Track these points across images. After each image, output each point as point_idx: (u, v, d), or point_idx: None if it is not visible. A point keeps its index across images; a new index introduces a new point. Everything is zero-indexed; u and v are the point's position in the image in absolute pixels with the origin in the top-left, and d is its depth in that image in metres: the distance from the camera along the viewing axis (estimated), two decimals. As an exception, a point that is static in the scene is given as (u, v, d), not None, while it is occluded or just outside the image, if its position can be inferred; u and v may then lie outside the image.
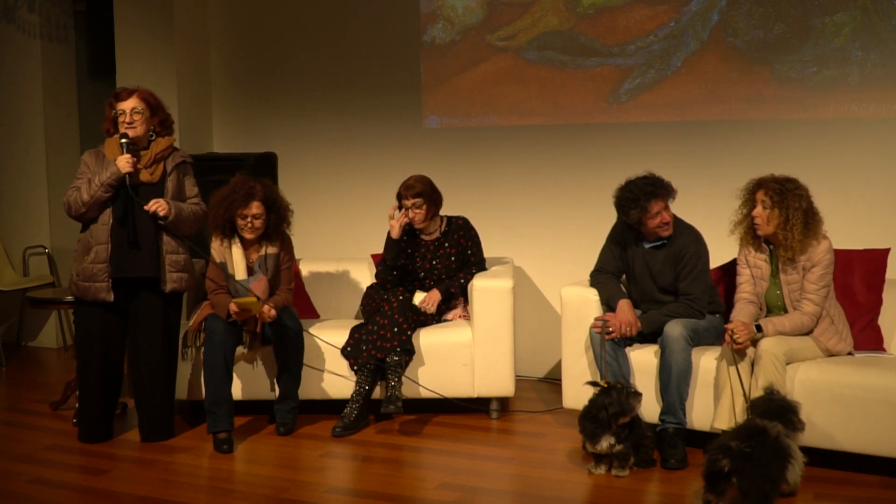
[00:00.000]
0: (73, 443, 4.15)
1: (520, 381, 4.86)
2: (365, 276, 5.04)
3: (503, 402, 4.58)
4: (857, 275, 4.10)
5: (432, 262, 4.60)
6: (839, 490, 3.43)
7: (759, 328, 3.68)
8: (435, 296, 4.49)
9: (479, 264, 4.64)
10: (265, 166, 5.68)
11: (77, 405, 4.25)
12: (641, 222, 3.98)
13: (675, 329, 3.82)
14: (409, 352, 4.33)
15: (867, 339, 3.99)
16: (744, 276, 3.91)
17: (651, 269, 4.08)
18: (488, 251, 4.78)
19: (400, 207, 4.51)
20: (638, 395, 3.64)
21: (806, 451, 3.52)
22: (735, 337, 3.61)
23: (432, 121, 5.52)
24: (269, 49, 5.90)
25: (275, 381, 4.35)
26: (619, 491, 3.50)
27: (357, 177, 5.72)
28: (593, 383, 3.71)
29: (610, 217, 4.17)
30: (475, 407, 4.51)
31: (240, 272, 4.24)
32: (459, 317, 4.60)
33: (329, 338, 4.42)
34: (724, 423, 3.62)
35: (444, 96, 5.46)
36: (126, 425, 4.40)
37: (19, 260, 6.33)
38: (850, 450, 3.54)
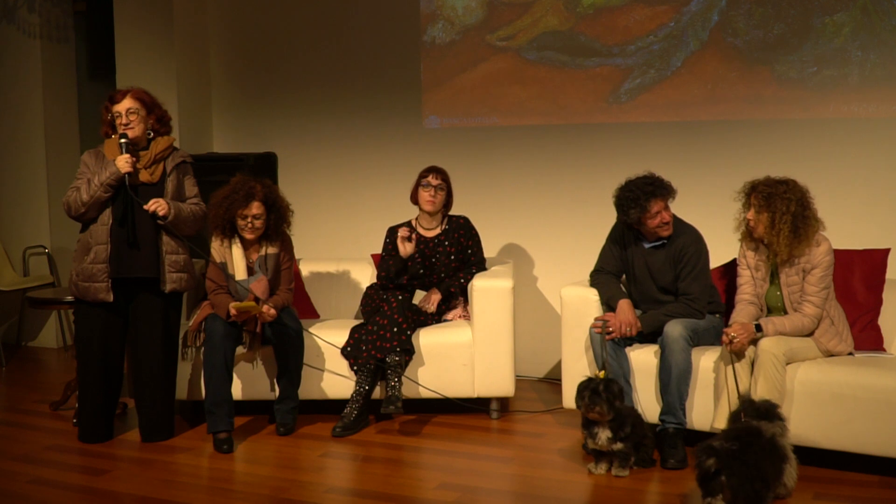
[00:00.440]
0: (73, 443, 4.15)
1: (520, 381, 4.86)
2: (365, 276, 5.04)
3: (503, 402, 4.58)
4: (857, 275, 4.10)
5: (431, 260, 4.60)
6: (839, 490, 3.43)
7: (758, 328, 3.68)
8: (435, 295, 4.50)
9: (480, 264, 4.64)
10: (265, 166, 5.68)
11: (77, 405, 4.25)
12: (641, 222, 3.98)
13: (675, 329, 3.82)
14: (409, 352, 4.33)
15: (867, 339, 3.99)
16: (744, 276, 3.91)
17: (651, 269, 4.08)
18: (488, 251, 4.78)
19: (416, 189, 4.56)
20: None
21: (806, 451, 3.53)
22: (734, 339, 3.61)
23: (432, 121, 5.52)
24: (269, 49, 5.90)
25: (275, 381, 4.35)
26: (619, 491, 3.50)
27: (357, 177, 5.72)
28: (590, 379, 3.70)
29: (610, 217, 4.17)
30: (475, 407, 4.51)
31: (240, 272, 4.24)
32: (459, 317, 4.60)
33: (329, 338, 4.42)
34: (724, 423, 3.61)
35: (444, 96, 5.46)
36: (126, 425, 4.40)
37: (19, 260, 6.34)
38: (850, 450, 3.54)
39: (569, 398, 4.21)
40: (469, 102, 5.40)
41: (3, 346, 5.98)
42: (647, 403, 3.96)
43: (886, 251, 4.17)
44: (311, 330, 4.44)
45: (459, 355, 4.41)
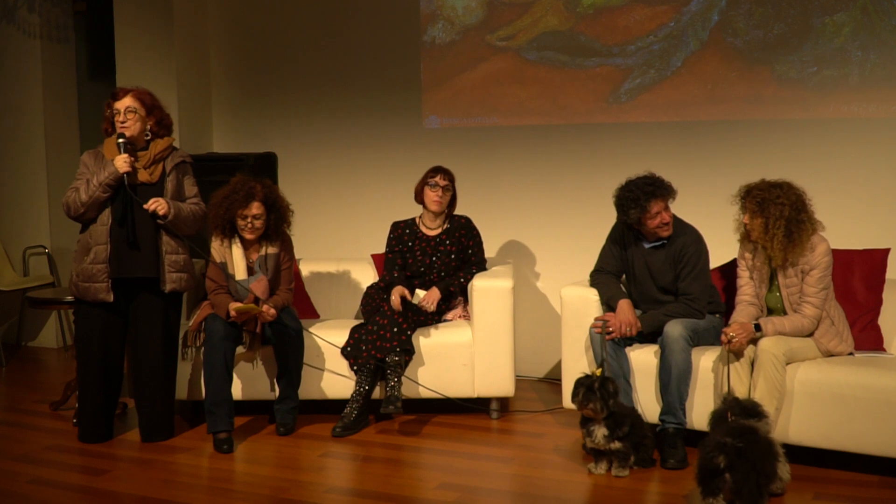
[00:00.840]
0: (73, 443, 4.15)
1: (520, 381, 4.86)
2: (365, 276, 5.04)
3: (503, 402, 4.58)
4: (857, 275, 4.10)
5: (432, 259, 4.60)
6: (839, 490, 3.43)
7: (758, 327, 3.68)
8: (435, 294, 4.49)
9: (480, 264, 4.64)
10: (265, 166, 5.68)
11: (77, 405, 4.25)
12: (641, 222, 3.98)
13: (675, 329, 3.82)
14: (408, 352, 4.33)
15: (867, 339, 3.99)
16: (744, 278, 3.91)
17: (651, 269, 4.08)
18: (488, 251, 4.79)
19: (422, 188, 4.57)
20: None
21: (806, 451, 3.53)
22: (733, 338, 3.61)
23: (432, 121, 5.52)
24: (269, 49, 5.90)
25: (275, 381, 4.35)
26: (619, 491, 3.50)
27: (357, 177, 5.72)
28: (587, 376, 3.70)
29: (610, 217, 4.17)
30: (475, 407, 4.51)
31: (240, 272, 4.24)
32: (459, 317, 4.60)
33: (329, 338, 4.42)
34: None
35: (444, 96, 5.46)
36: (126, 425, 4.40)
37: (19, 260, 6.34)
38: (850, 450, 3.54)
39: (569, 398, 4.20)
40: (469, 102, 5.40)
41: (3, 346, 5.98)
42: (647, 403, 3.96)
43: (886, 251, 4.17)
44: (311, 330, 4.44)
45: (459, 355, 4.41)
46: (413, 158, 5.41)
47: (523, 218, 5.33)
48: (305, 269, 5.08)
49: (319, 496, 3.50)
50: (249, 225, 4.20)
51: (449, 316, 4.61)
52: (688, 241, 4.02)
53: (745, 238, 3.86)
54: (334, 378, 4.43)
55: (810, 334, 3.76)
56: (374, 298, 4.57)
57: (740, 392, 3.62)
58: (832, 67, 4.62)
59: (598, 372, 3.70)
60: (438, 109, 5.49)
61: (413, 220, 4.70)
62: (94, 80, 6.53)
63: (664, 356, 3.83)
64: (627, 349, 4.02)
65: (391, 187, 5.54)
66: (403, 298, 4.37)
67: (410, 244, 4.63)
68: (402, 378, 4.27)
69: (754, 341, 3.67)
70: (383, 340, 4.26)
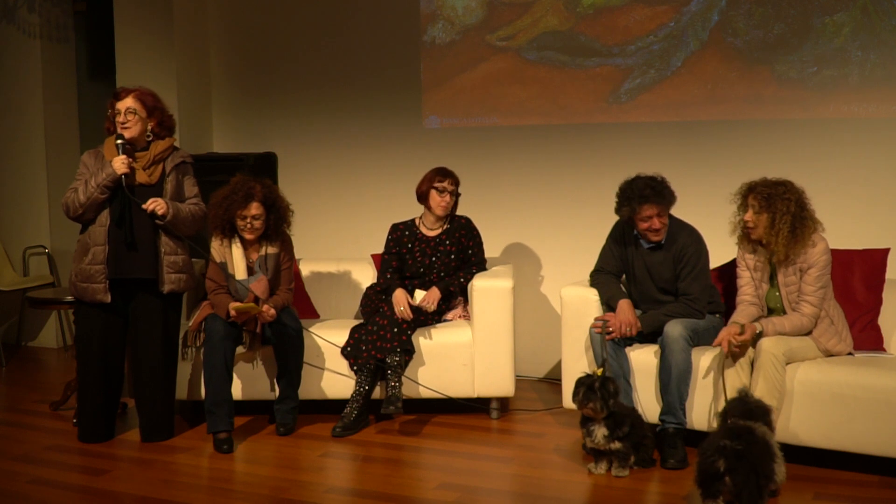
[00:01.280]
0: (73, 443, 4.15)
1: (520, 381, 4.86)
2: (365, 276, 5.04)
3: (503, 402, 4.58)
4: (857, 275, 4.10)
5: (431, 259, 4.60)
6: (839, 490, 3.43)
7: (759, 334, 3.67)
8: (434, 294, 4.49)
9: (480, 264, 4.64)
10: (265, 166, 5.68)
11: (77, 405, 4.25)
12: (632, 221, 3.99)
13: (675, 329, 3.82)
14: (409, 352, 4.33)
15: (867, 339, 3.99)
16: (744, 278, 3.91)
17: (650, 270, 4.08)
18: (488, 251, 4.78)
19: (428, 190, 4.55)
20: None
21: (806, 451, 3.53)
22: (732, 342, 3.61)
23: (432, 121, 5.52)
24: (269, 49, 5.90)
25: (275, 381, 4.35)
26: (619, 491, 3.50)
27: (357, 177, 5.72)
28: (588, 375, 3.70)
29: (610, 217, 4.17)
30: (475, 406, 4.51)
31: (240, 272, 4.24)
32: (459, 317, 4.60)
33: (329, 338, 4.42)
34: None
35: (444, 96, 5.46)
36: (126, 425, 4.40)
37: (19, 260, 6.34)
38: (850, 450, 3.54)
39: (569, 398, 4.20)
40: (469, 102, 5.40)
41: (3, 346, 5.98)
42: (647, 403, 3.96)
43: (886, 251, 4.17)
44: (311, 330, 4.44)
45: (459, 355, 4.41)
46: (413, 158, 5.41)
47: (523, 218, 5.33)
48: (305, 269, 5.08)
49: (319, 496, 3.50)
50: (249, 225, 4.20)
51: (449, 316, 4.61)
52: (687, 241, 4.02)
53: (744, 238, 3.86)
54: (334, 378, 4.43)
55: (809, 333, 3.75)
56: (373, 299, 4.57)
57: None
58: (832, 67, 4.62)
59: (599, 372, 3.70)
60: (438, 109, 5.49)
61: (413, 221, 4.70)
62: (94, 80, 6.53)
63: (664, 356, 3.83)
64: (627, 349, 4.02)
65: (391, 187, 5.54)
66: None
67: (410, 245, 4.63)
68: (403, 378, 4.27)
69: (754, 342, 3.67)
70: (383, 341, 4.26)
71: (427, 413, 4.53)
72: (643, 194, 3.91)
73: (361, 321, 4.52)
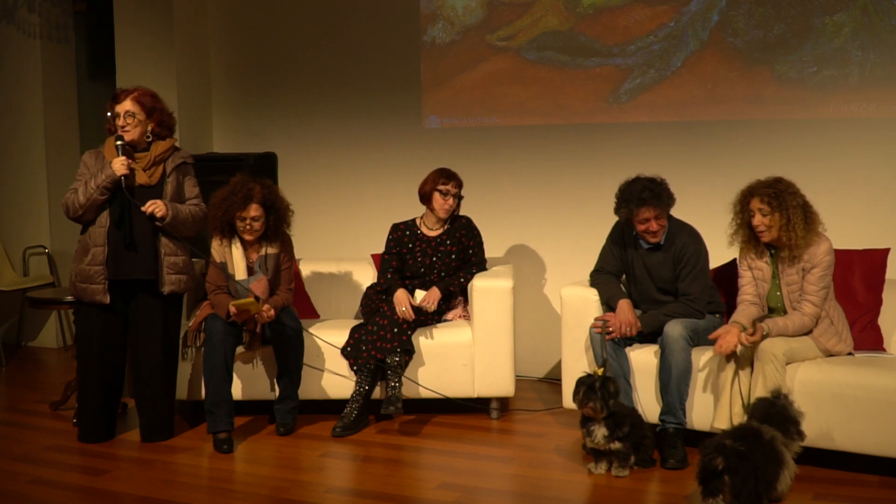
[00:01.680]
0: (73, 443, 4.15)
1: (520, 381, 4.86)
2: (365, 276, 5.04)
3: (503, 402, 4.58)
4: (857, 275, 4.10)
5: (432, 259, 4.60)
6: (839, 490, 3.43)
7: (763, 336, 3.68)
8: (435, 294, 4.49)
9: (480, 264, 4.64)
10: (265, 166, 5.68)
11: (77, 405, 4.25)
12: (629, 222, 4.00)
13: (674, 329, 3.82)
14: (409, 352, 4.33)
15: (867, 339, 3.99)
16: (745, 278, 3.90)
17: (650, 270, 4.08)
18: (488, 251, 4.78)
19: (431, 191, 4.53)
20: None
21: (806, 450, 3.52)
22: (744, 344, 3.62)
23: (432, 121, 5.52)
24: (269, 49, 5.90)
25: (275, 381, 4.35)
26: (619, 491, 3.50)
27: (357, 177, 5.72)
28: (589, 375, 3.70)
29: (610, 217, 4.17)
30: (475, 406, 4.51)
31: (240, 272, 4.24)
32: (459, 317, 4.60)
33: (329, 338, 4.42)
34: (723, 423, 3.62)
35: (444, 96, 5.46)
36: (126, 425, 4.40)
37: (19, 260, 6.34)
38: (850, 450, 3.54)
39: (569, 398, 4.20)
40: (469, 102, 5.40)
41: (3, 346, 5.98)
42: (647, 403, 3.96)
43: (886, 251, 4.17)
44: (311, 330, 4.44)
45: (459, 355, 4.41)
46: (413, 158, 5.41)
47: (523, 218, 5.33)
48: (305, 269, 5.08)
49: (319, 496, 3.50)
50: (248, 227, 4.20)
51: (449, 316, 4.61)
52: (687, 241, 4.02)
53: (749, 244, 3.84)
54: (334, 378, 4.43)
55: (809, 332, 3.75)
56: (373, 299, 4.57)
57: (742, 393, 3.62)
58: (832, 67, 4.62)
59: (600, 372, 3.70)
60: (438, 109, 5.49)
61: (413, 220, 4.70)
62: (94, 80, 6.53)
63: (664, 356, 3.84)
64: (627, 349, 4.02)
65: (391, 187, 5.54)
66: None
67: (410, 245, 4.63)
68: (403, 378, 4.27)
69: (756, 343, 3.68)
70: (383, 341, 4.26)
71: (427, 413, 4.53)
72: (641, 197, 3.90)
73: (361, 321, 4.52)
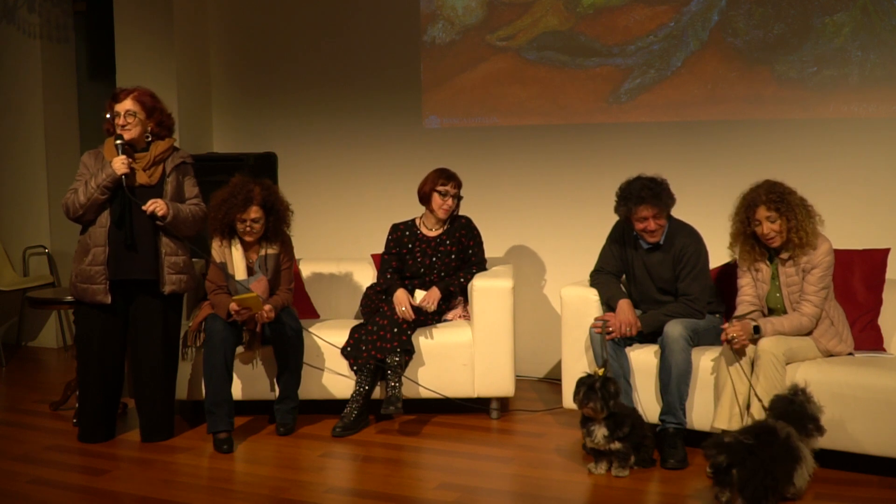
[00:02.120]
0: (73, 443, 4.15)
1: (520, 381, 4.86)
2: (365, 276, 5.04)
3: (503, 402, 4.58)
4: (857, 275, 4.10)
5: (432, 259, 4.60)
6: (839, 490, 3.43)
7: (756, 329, 3.68)
8: (435, 294, 4.49)
9: (480, 264, 4.64)
10: (265, 166, 5.68)
11: (77, 405, 4.25)
12: (628, 220, 4.00)
13: (674, 329, 3.82)
14: (409, 352, 4.33)
15: (867, 339, 3.99)
16: (745, 279, 3.90)
17: (650, 270, 4.08)
18: (488, 251, 4.78)
19: (431, 192, 4.53)
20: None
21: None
22: (735, 339, 3.61)
23: (432, 121, 5.52)
24: (269, 49, 5.90)
25: (275, 381, 4.35)
26: (619, 491, 3.50)
27: (357, 177, 5.72)
28: (589, 375, 3.70)
29: (610, 217, 4.17)
30: (475, 407, 4.51)
31: (240, 272, 4.24)
32: (459, 317, 4.60)
33: (329, 338, 4.42)
34: (723, 422, 3.62)
35: (444, 96, 5.46)
36: (126, 425, 4.40)
37: (19, 260, 6.34)
38: (850, 450, 3.54)
39: (569, 398, 4.20)
40: (469, 102, 5.40)
41: (3, 346, 5.98)
42: (647, 403, 3.96)
43: (886, 251, 4.17)
44: (311, 330, 4.44)
45: (459, 355, 4.41)
46: (413, 158, 5.41)
47: (523, 218, 5.33)
48: (305, 269, 5.08)
49: (319, 496, 3.50)
50: (249, 228, 4.20)
51: (449, 316, 4.61)
52: (687, 241, 4.02)
53: (752, 251, 3.83)
54: (334, 378, 4.43)
55: (809, 333, 3.75)
56: (373, 299, 4.57)
57: (741, 392, 3.62)
58: (832, 67, 4.62)
59: (600, 372, 3.70)
60: (438, 109, 5.49)
61: (413, 221, 4.70)
62: (94, 80, 6.53)
63: (664, 356, 3.84)
64: (627, 349, 4.02)
65: (391, 187, 5.54)
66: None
67: (410, 245, 4.63)
68: (403, 378, 4.27)
69: (754, 342, 3.67)
70: (383, 341, 4.26)
71: (427, 413, 4.53)
72: (640, 195, 3.91)
73: (361, 321, 4.52)
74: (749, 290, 3.88)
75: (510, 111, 5.32)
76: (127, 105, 4.01)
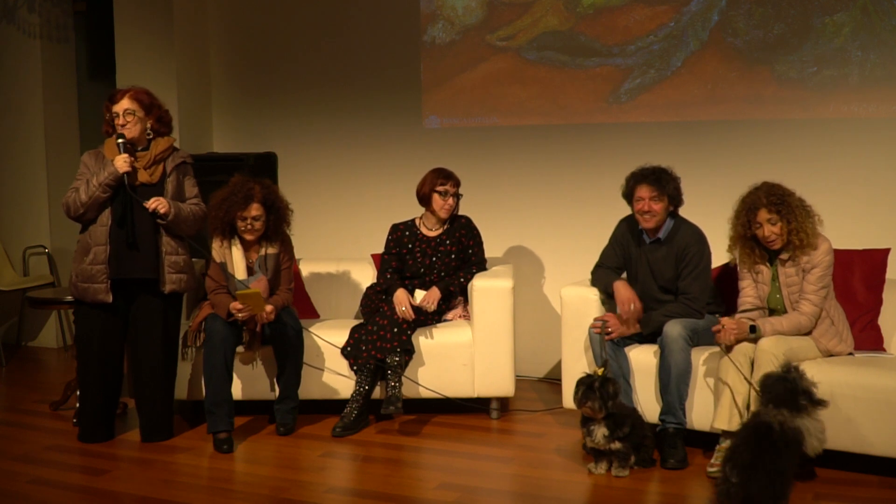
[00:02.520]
0: (73, 443, 4.15)
1: (520, 381, 4.86)
2: (365, 276, 5.04)
3: (503, 402, 4.58)
4: (857, 275, 4.10)
5: (432, 259, 4.60)
6: (839, 490, 3.43)
7: (753, 329, 3.67)
8: (435, 293, 4.49)
9: (480, 264, 4.64)
10: (265, 166, 5.68)
11: (77, 405, 4.25)
12: (630, 201, 4.04)
13: (674, 329, 3.82)
14: (409, 352, 4.33)
15: (867, 339, 3.99)
16: (746, 281, 3.90)
17: (653, 267, 4.08)
18: (488, 251, 4.78)
19: (430, 193, 4.53)
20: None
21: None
22: (722, 329, 3.62)
23: (432, 121, 5.52)
24: (269, 49, 5.90)
25: (275, 381, 4.35)
26: (619, 491, 3.50)
27: (357, 177, 5.72)
28: (589, 375, 3.70)
29: (610, 217, 4.18)
30: (475, 406, 4.51)
31: (240, 272, 4.24)
32: (459, 317, 4.60)
33: (329, 338, 4.42)
34: (723, 423, 3.62)
35: (444, 96, 5.46)
36: (126, 425, 4.40)
37: (19, 260, 6.34)
38: (851, 450, 3.54)
39: (569, 398, 4.20)
40: (469, 102, 5.40)
41: (3, 346, 5.98)
42: (647, 403, 3.96)
43: (886, 251, 4.17)
44: (311, 330, 4.44)
45: (459, 355, 4.41)
46: (413, 158, 5.41)
47: (523, 218, 5.33)
48: (305, 269, 5.08)
49: (319, 496, 3.50)
50: (249, 226, 4.20)
51: (449, 316, 4.61)
52: (691, 240, 4.02)
53: (752, 253, 3.83)
54: (334, 378, 4.43)
55: (808, 332, 3.75)
56: (373, 299, 4.57)
57: (741, 393, 3.61)
58: (832, 67, 4.62)
59: (600, 372, 3.70)
60: (438, 109, 5.49)
61: (413, 221, 4.70)
62: (94, 80, 6.53)
63: (664, 356, 3.84)
64: (627, 349, 4.02)
65: (391, 187, 5.54)
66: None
67: (410, 246, 4.63)
68: (403, 378, 4.27)
69: (752, 341, 3.67)
70: (383, 341, 4.26)
71: (427, 413, 4.53)
72: (643, 174, 3.98)
73: (361, 321, 4.52)
74: (751, 292, 3.88)
75: (510, 111, 5.32)
76: (125, 104, 4.02)
